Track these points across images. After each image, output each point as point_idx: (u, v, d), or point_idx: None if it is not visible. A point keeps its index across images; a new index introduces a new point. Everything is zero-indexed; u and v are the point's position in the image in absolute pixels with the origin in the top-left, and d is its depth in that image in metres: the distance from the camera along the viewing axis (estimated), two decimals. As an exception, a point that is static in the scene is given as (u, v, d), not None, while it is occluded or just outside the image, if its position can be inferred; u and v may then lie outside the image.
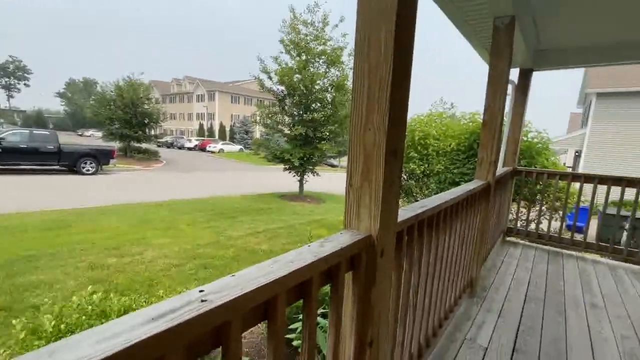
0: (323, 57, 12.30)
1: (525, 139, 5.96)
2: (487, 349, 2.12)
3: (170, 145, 39.31)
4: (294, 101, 12.62)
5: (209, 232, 7.72)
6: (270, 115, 13.16)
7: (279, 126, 13.20)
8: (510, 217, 5.05)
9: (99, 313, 2.46)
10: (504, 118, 3.04)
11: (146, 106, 22.92)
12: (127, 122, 21.92)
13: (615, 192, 3.94)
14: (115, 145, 19.91)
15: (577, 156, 15.60)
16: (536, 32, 3.40)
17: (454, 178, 6.23)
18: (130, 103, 21.75)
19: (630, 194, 3.91)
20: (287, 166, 12.96)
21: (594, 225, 8.43)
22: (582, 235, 4.19)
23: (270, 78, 12.72)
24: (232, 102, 52.40)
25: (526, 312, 2.63)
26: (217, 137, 45.87)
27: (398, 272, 1.29)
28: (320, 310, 2.70)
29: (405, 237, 1.28)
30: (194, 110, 53.98)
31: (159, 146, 30.75)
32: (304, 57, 12.22)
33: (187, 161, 26.06)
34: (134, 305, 2.68)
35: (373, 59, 0.89)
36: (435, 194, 6.74)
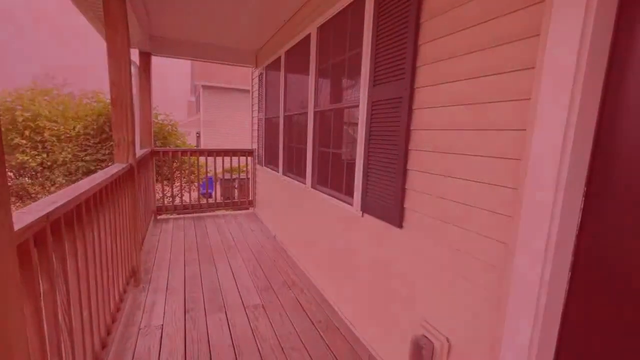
0: None
1: (155, 121, 6.27)
2: (162, 325, 2.17)
3: None
4: None
5: None
6: None
7: None
8: (158, 196, 5.26)
9: None
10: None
11: None
12: None
13: (227, 161, 5.29)
14: None
15: (198, 136, 18.90)
16: (148, 17, 3.52)
17: (88, 167, 5.36)
18: None
19: (235, 162, 5.42)
20: None
21: (219, 189, 10.87)
22: (212, 199, 5.31)
23: None
24: None
25: (188, 275, 2.96)
26: None
27: (34, 300, 0.94)
28: None
29: (33, 249, 0.94)
30: None
31: None
32: None
33: None
34: None
35: None
36: (65, 189, 5.44)
